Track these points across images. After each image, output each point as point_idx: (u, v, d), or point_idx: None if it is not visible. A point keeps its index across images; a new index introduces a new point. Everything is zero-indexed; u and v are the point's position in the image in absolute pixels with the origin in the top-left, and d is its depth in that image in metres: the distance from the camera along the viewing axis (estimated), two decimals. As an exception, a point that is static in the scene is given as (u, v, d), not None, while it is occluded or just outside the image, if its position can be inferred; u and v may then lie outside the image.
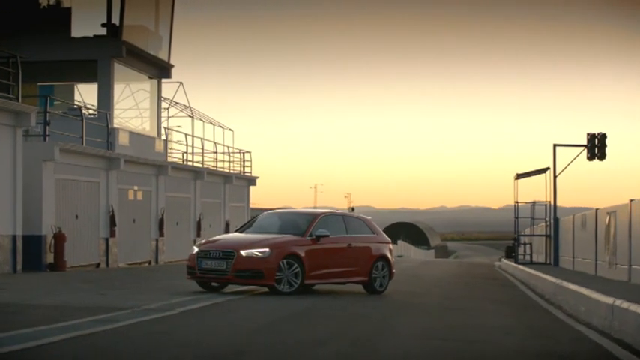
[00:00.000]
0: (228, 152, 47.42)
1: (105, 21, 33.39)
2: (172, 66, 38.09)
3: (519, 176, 37.15)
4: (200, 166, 42.53)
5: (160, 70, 37.63)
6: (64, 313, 14.07)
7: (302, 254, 19.96)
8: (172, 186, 38.54)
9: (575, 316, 16.51)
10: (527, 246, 38.27)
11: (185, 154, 41.49)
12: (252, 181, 50.38)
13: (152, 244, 36.65)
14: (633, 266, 19.71)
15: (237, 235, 21.24)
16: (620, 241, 20.94)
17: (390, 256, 22.42)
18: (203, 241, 21.12)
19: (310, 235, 20.46)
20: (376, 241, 22.24)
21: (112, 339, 11.40)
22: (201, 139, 43.37)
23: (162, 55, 37.44)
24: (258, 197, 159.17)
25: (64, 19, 33.06)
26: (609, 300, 13.75)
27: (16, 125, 26.19)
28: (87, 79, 34.74)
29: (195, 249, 20.32)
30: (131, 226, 34.42)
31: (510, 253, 55.55)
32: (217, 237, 21.46)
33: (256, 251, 19.56)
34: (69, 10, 33.33)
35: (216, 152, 45.35)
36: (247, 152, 50.17)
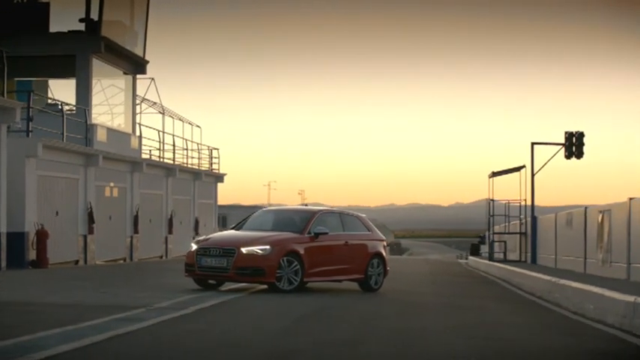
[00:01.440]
0: (198, 149, 47.21)
1: (83, 16, 33.00)
2: (147, 62, 37.83)
3: (494, 174, 37.44)
4: (172, 162, 42.28)
5: (136, 66, 37.35)
6: (80, 312, 13.92)
7: (301, 252, 19.98)
8: (146, 183, 38.29)
9: (583, 314, 16.69)
10: (501, 244, 38.50)
11: (159, 151, 41.21)
12: (219, 177, 50.21)
13: (127, 241, 36.38)
14: (632, 264, 19.96)
15: (235, 232, 21.15)
16: (616, 239, 21.22)
17: (384, 254, 22.54)
18: (201, 238, 21.02)
19: (309, 233, 20.49)
20: (371, 238, 22.33)
21: (152, 338, 11.31)
22: (173, 135, 43.12)
23: (138, 51, 37.17)
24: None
25: (42, 14, 32.62)
26: (629, 298, 13.94)
27: (0, 121, 25.83)
28: (65, 74, 34.35)
29: (194, 246, 20.23)
30: (107, 223, 34.14)
31: (476, 250, 56.14)
32: (215, 234, 21.37)
33: (257, 249, 19.53)
34: (47, 4, 32.91)
35: (187, 149, 45.14)
36: (215, 149, 50.02)
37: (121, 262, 35.41)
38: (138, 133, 38.25)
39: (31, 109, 28.08)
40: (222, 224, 58.91)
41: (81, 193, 31.73)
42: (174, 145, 43.08)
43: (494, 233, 38.32)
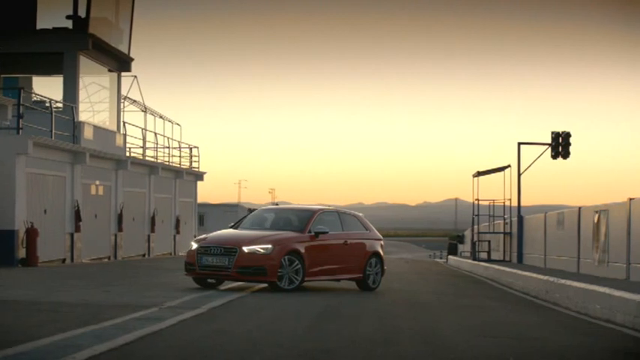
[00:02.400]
0: (179, 147, 47.02)
1: (70, 13, 32.74)
2: (132, 59, 37.62)
3: (479, 174, 37.62)
4: (154, 160, 42.10)
5: (121, 63, 37.12)
6: (95, 312, 13.85)
7: (302, 251, 20.00)
8: (129, 181, 38.10)
9: (587, 314, 16.89)
10: (484, 243, 38.70)
11: (141, 149, 40.98)
12: (199, 176, 50.04)
13: (111, 239, 36.18)
14: (633, 264, 20.16)
15: (235, 231, 21.11)
16: (614, 239, 21.41)
17: (382, 253, 22.61)
18: (201, 237, 20.96)
19: (309, 232, 20.51)
20: (369, 237, 22.41)
21: (183, 339, 11.25)
22: (155, 133, 42.95)
23: (123, 48, 36.94)
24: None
25: (29, 11, 32.34)
26: (641, 298, 14.11)
27: (-9, 118, 25.65)
28: (51, 71, 34.11)
29: (195, 245, 20.17)
30: (93, 222, 33.93)
31: (454, 250, 56.40)
32: (215, 233, 21.30)
33: (259, 248, 19.52)
34: (34, 1, 32.61)
35: (169, 147, 44.95)
36: (195, 147, 49.83)
37: (106, 260, 35.20)
38: (122, 131, 38.01)
39: (21, 107, 27.81)
40: (200, 223, 58.70)
41: (68, 191, 31.52)
42: (156, 144, 42.92)
43: (479, 233, 38.49)
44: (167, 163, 44.06)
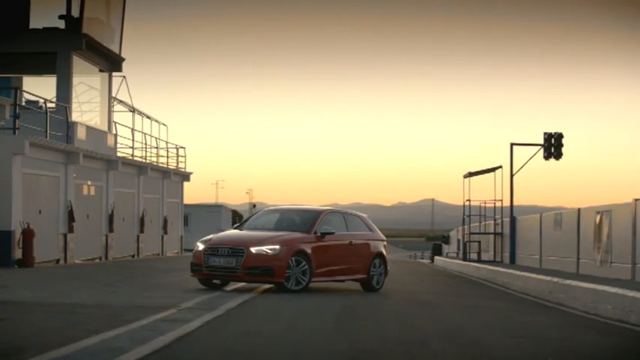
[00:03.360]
0: (167, 147, 46.89)
1: (63, 12, 32.58)
2: (123, 59, 37.48)
3: (471, 174, 37.74)
4: (143, 161, 41.96)
5: (112, 63, 36.98)
6: (113, 313, 13.78)
7: (309, 251, 20.02)
8: (119, 181, 37.96)
9: (597, 314, 17.02)
10: (473, 244, 38.82)
11: (130, 149, 40.83)
12: (186, 176, 49.92)
13: (102, 240, 36.04)
14: (638, 265, 20.33)
15: (241, 232, 21.06)
16: (617, 239, 21.57)
17: (385, 254, 22.69)
18: (207, 238, 20.90)
19: (315, 233, 20.54)
20: (373, 238, 22.47)
21: (217, 341, 11.26)
22: (145, 133, 42.78)
23: (114, 48, 36.80)
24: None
25: (22, 11, 32.14)
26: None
27: (-12, 118, 25.49)
28: (44, 71, 33.93)
29: (201, 246, 20.11)
30: (85, 222, 33.77)
31: (438, 251, 56.63)
32: (221, 234, 21.26)
33: (266, 248, 19.52)
34: (28, 1, 32.40)
35: (157, 147, 44.81)
36: (182, 147, 49.69)
37: (97, 260, 35.05)
38: (113, 132, 37.86)
39: (18, 106, 27.65)
40: (184, 223, 58.55)
41: (61, 191, 31.37)
42: (145, 144, 42.79)
43: (470, 233, 38.63)
44: (155, 163, 43.94)
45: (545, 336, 13.14)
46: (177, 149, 49.26)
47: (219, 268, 19.63)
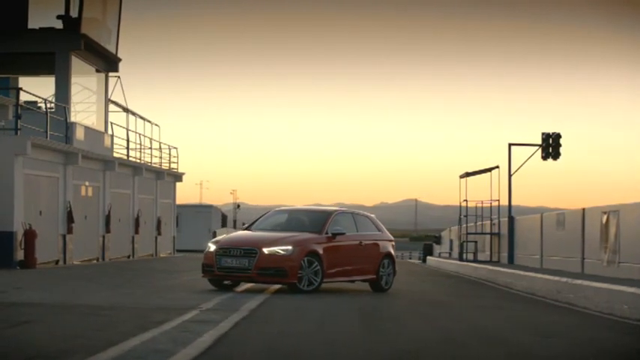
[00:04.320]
0: (160, 148, 46.75)
1: (61, 12, 32.43)
2: (120, 60, 37.35)
3: (467, 174, 37.83)
4: (138, 161, 41.82)
5: (108, 63, 36.85)
6: (142, 315, 13.71)
7: (321, 252, 20.02)
8: (115, 182, 37.83)
9: (612, 314, 17.05)
10: (471, 244, 38.95)
11: (126, 150, 40.66)
12: (178, 177, 49.79)
13: (99, 240, 35.90)
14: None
15: (252, 232, 21.02)
16: (626, 239, 21.70)
17: (394, 254, 22.73)
18: (217, 239, 20.86)
19: (326, 233, 20.54)
20: (382, 239, 22.51)
21: (259, 341, 11.21)
22: (140, 134, 42.63)
23: (110, 48, 36.67)
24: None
25: (20, 11, 31.97)
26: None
27: (-8, 118, 25.36)
28: (42, 71, 33.77)
29: (213, 247, 20.07)
30: (83, 223, 33.63)
31: (429, 251, 56.75)
32: (232, 235, 21.24)
33: (279, 249, 19.51)
34: (26, 1, 32.22)
35: (151, 148, 44.67)
36: (174, 148, 49.55)
37: (94, 262, 34.92)
38: (109, 132, 37.72)
39: (19, 107, 27.50)
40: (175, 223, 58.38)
41: (61, 192, 31.24)
42: (141, 144, 42.64)
43: (467, 234, 38.73)
44: (149, 163, 43.80)
45: (574, 336, 13.18)
46: (170, 149, 49.14)
47: (232, 269, 19.61)
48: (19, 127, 27.48)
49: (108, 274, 25.74)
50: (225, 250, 19.76)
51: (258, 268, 19.30)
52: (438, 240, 58.43)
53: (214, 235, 62.85)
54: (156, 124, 47.13)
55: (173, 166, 48.96)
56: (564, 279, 21.20)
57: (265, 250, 19.41)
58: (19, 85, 34.93)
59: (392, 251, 22.64)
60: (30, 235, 27.35)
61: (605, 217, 22.79)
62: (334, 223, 20.90)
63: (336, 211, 21.76)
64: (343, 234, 20.79)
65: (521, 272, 25.84)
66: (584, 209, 25.09)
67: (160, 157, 46.94)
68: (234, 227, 78.00)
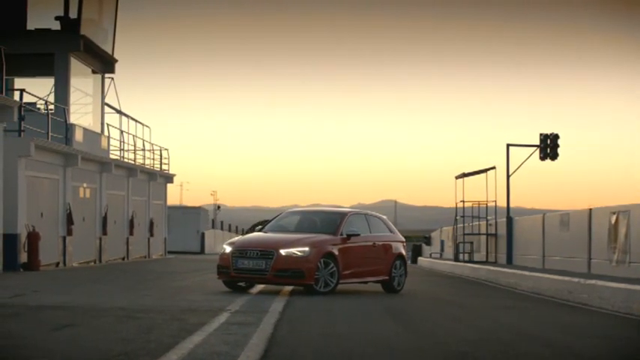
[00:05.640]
0: (152, 149, 46.60)
1: (60, 13, 32.27)
2: (116, 61, 37.21)
3: (464, 175, 37.94)
4: (133, 163, 41.68)
5: (105, 64, 36.70)
6: (177, 317, 13.62)
7: (336, 253, 20.05)
8: (111, 183, 37.69)
9: (632, 313, 17.16)
10: (467, 245, 39.04)
11: (120, 152, 40.53)
12: (169, 178, 49.66)
13: (97, 242, 35.75)
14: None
15: (268, 234, 20.97)
16: (637, 239, 21.85)
17: (405, 255, 22.81)
18: (232, 240, 20.82)
19: (341, 234, 20.57)
20: (394, 240, 22.58)
21: (310, 342, 11.23)
22: (134, 135, 42.49)
23: (107, 49, 36.51)
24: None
25: (19, 12, 31.76)
26: None
27: (-2, 120, 25.21)
28: (39, 72, 33.56)
29: (228, 248, 20.03)
30: (82, 225, 33.49)
31: (418, 252, 56.86)
32: (247, 236, 21.22)
33: (296, 250, 19.50)
34: (25, 2, 32.02)
35: (144, 149, 44.52)
36: (165, 149, 49.42)
37: (92, 264, 34.78)
38: (106, 133, 37.57)
39: (23, 108, 27.35)
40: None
41: (60, 194, 31.10)
42: (135, 146, 42.50)
43: (464, 234, 38.84)
44: (142, 165, 43.68)
45: (608, 336, 13.27)
46: (161, 151, 49.02)
47: (248, 271, 19.58)
48: (22, 128, 27.29)
49: (113, 277, 25.65)
50: (241, 251, 19.73)
51: (275, 269, 19.29)
52: (427, 241, 58.57)
53: (202, 236, 62.73)
54: (146, 126, 47.02)
55: (164, 167, 48.84)
56: (576, 279, 21.28)
57: (282, 252, 19.40)
58: (15, 87, 34.83)
59: (403, 252, 22.73)
60: (33, 238, 27.23)
61: (614, 218, 22.95)
62: (348, 224, 20.94)
63: (350, 212, 21.81)
64: (358, 235, 20.84)
65: (526, 272, 25.92)
66: (590, 209, 25.26)
67: (153, 159, 46.81)
68: (218, 228, 77.72)
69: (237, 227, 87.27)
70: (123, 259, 39.63)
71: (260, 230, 21.86)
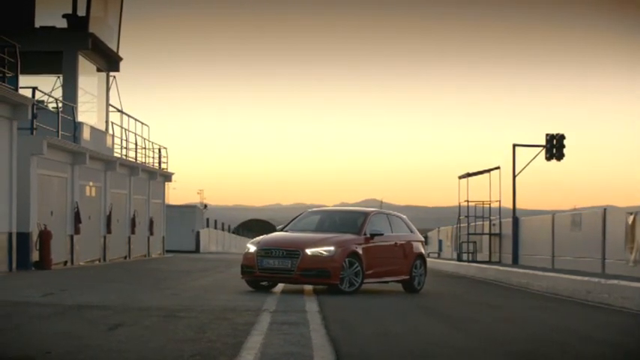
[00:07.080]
0: (152, 148, 46.45)
1: (68, 11, 32.13)
2: (121, 59, 37.08)
3: (468, 175, 38.01)
4: (135, 162, 41.55)
5: (110, 62, 36.56)
6: (221, 317, 13.55)
7: (360, 252, 20.06)
8: (114, 182, 37.57)
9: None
10: (470, 245, 39.11)
11: (123, 150, 40.36)
12: (168, 177, 49.54)
13: (101, 241, 35.62)
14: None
15: (291, 234, 20.94)
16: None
17: (425, 255, 22.85)
18: (256, 240, 20.77)
19: (365, 234, 20.58)
20: (414, 239, 22.64)
21: (365, 343, 11.23)
22: (136, 134, 42.33)
23: (112, 47, 36.37)
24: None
25: (28, 9, 31.58)
26: None
27: (12, 118, 25.08)
28: (47, 70, 33.40)
29: (253, 248, 20.00)
30: (88, 223, 33.36)
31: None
32: (270, 236, 21.09)
33: (322, 250, 19.51)
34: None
35: (145, 148, 44.37)
36: (164, 148, 49.27)
37: (97, 262, 34.66)
38: (110, 132, 37.44)
39: (35, 106, 27.21)
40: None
41: (69, 192, 30.98)
42: (136, 144, 42.34)
43: (468, 234, 38.90)
44: (144, 163, 43.55)
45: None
46: (160, 149, 48.86)
47: (274, 270, 19.57)
48: (35, 126, 27.16)
49: (127, 275, 25.62)
50: (266, 251, 19.70)
51: (301, 269, 19.28)
52: (424, 240, 58.59)
53: (197, 235, 62.54)
54: (145, 124, 46.86)
55: (163, 166, 48.72)
56: (595, 279, 21.35)
57: (308, 251, 19.39)
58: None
59: (423, 252, 22.79)
60: (45, 236, 27.13)
61: (631, 218, 23.05)
62: (371, 223, 20.97)
63: (372, 211, 21.83)
64: (382, 235, 20.88)
65: (539, 272, 25.97)
66: (605, 209, 25.38)
67: (153, 157, 46.68)
68: (209, 227, 77.47)
69: (229, 226, 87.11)
70: (125, 258, 39.50)
71: (282, 230, 21.81)
